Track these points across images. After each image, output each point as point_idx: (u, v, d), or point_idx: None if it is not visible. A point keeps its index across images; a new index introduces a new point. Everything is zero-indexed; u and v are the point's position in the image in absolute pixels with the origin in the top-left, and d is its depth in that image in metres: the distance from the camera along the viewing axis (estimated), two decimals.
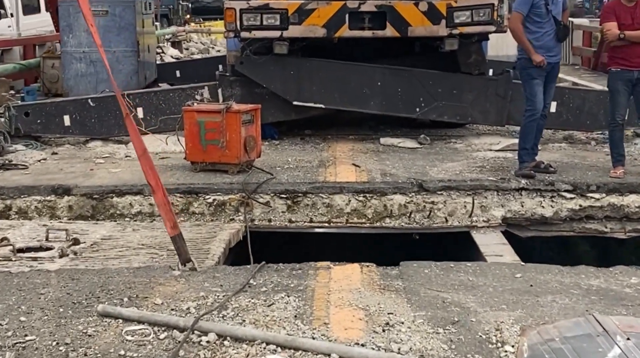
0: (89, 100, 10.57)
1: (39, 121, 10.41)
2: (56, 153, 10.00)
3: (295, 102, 10.43)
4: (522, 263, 6.06)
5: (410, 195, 8.18)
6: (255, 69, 10.36)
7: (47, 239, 7.01)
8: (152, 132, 10.38)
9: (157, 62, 22.18)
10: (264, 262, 5.87)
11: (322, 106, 10.46)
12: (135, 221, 8.11)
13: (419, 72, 10.45)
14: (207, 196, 8.21)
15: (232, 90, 10.59)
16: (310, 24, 9.99)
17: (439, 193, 8.19)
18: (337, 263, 5.82)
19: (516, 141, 10.15)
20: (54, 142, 10.64)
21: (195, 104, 9.29)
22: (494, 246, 7.57)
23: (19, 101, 11.20)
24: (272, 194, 8.22)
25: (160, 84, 17.28)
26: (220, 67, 14.52)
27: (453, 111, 10.51)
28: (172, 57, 24.12)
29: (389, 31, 10.01)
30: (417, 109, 10.48)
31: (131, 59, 13.62)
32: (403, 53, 11.16)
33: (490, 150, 10.01)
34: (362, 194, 8.19)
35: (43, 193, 8.18)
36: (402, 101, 10.48)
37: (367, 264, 5.78)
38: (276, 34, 10.06)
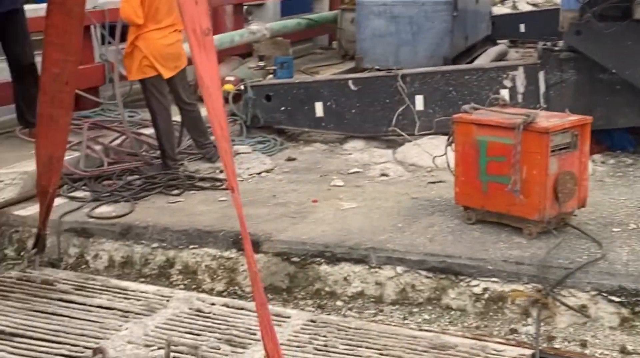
0: (350, 82, 7.37)
1: (283, 108, 7.47)
2: (292, 159, 6.97)
3: None
4: None
5: None
6: (600, 44, 6.37)
7: (167, 357, 4.02)
8: (434, 134, 6.99)
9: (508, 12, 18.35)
10: None
11: None
12: (349, 308, 4.84)
13: None
14: (473, 282, 4.65)
15: (562, 74, 6.72)
16: None
17: None
18: None
19: None
20: (303, 139, 7.65)
21: (497, 104, 5.70)
22: None
23: (265, 77, 8.36)
24: (593, 292, 4.43)
25: (498, 42, 13.64)
26: None
27: None
28: (528, 3, 20.04)
29: None
30: None
31: (443, 14, 10.11)
32: None
33: None
34: None
35: (221, 243, 5.21)
36: None
37: None
38: None
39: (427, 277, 4.75)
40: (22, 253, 5.51)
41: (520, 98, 6.91)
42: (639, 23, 6.11)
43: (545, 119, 4.93)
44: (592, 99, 6.46)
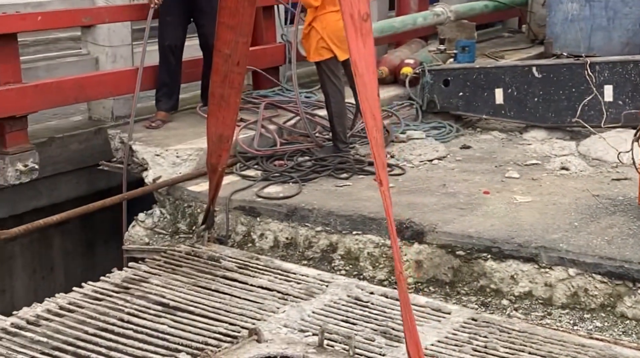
0: (533, 68, 7.00)
1: (461, 93, 7.23)
2: (467, 147, 6.73)
3: None
4: None
5: None
6: None
7: (320, 344, 3.98)
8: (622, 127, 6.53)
9: None
10: None
11: None
12: (515, 308, 4.60)
13: None
14: None
15: None
16: None
17: None
18: None
19: None
20: (480, 127, 7.36)
21: None
22: None
23: (445, 61, 8.12)
24: None
25: None
26: None
27: None
28: None
29: None
30: None
31: None
32: None
33: None
34: None
35: (385, 231, 5.09)
36: None
37: None
38: None
39: (602, 282, 4.43)
40: (193, 228, 5.66)
41: None
42: None
43: None
44: None
